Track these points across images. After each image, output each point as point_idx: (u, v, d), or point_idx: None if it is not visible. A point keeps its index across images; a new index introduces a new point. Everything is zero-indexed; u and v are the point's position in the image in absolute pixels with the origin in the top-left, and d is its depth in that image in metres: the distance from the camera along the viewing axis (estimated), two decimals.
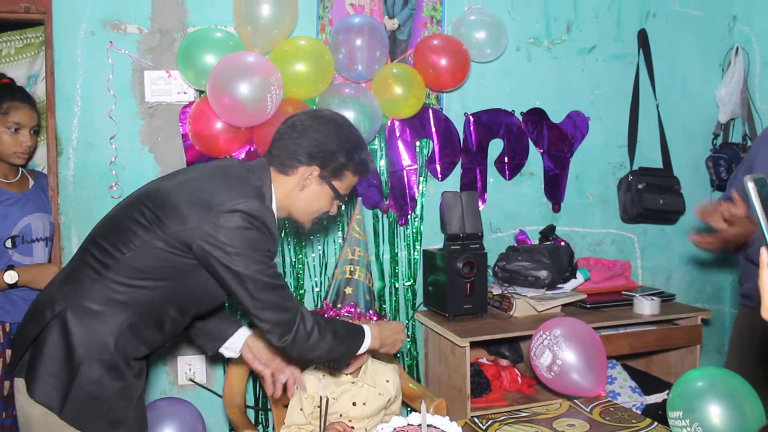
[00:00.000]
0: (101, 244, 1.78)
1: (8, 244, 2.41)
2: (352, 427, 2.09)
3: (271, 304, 1.78)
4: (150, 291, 1.77)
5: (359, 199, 2.40)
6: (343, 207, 2.95)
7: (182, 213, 1.74)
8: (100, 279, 1.75)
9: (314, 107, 2.82)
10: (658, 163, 3.52)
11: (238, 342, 2.16)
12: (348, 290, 2.14)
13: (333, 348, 1.89)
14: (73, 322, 1.72)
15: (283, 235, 2.94)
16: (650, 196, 3.39)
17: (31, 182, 2.57)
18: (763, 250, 1.01)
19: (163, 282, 1.78)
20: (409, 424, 1.62)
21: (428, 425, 1.58)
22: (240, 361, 2.55)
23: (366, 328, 2.02)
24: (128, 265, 1.75)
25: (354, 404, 2.14)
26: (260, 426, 2.93)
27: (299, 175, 1.89)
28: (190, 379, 2.88)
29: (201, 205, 1.74)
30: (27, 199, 2.53)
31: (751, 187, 1.00)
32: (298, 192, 1.91)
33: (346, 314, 2.10)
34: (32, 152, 2.55)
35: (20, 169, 2.55)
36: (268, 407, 2.77)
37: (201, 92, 2.75)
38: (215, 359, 2.90)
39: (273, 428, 2.76)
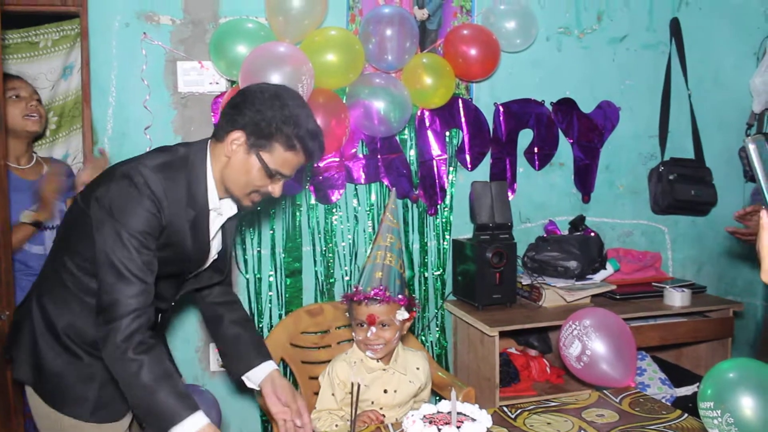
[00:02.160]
0: None
1: None
2: (383, 415, 2.11)
3: (104, 285, 1.66)
4: (77, 269, 1.81)
5: (393, 189, 2.41)
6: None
7: (96, 180, 1.81)
8: (52, 263, 1.88)
9: (345, 97, 2.83)
10: (690, 154, 3.49)
11: (260, 374, 2.04)
12: (378, 274, 2.14)
13: (135, 389, 1.62)
14: (34, 304, 1.86)
15: (313, 224, 2.97)
16: (681, 187, 3.36)
17: (45, 168, 2.59)
18: (763, 212, 1.00)
19: (83, 257, 1.78)
20: (438, 412, 1.63)
21: (458, 413, 1.60)
22: (270, 348, 2.58)
23: (202, 420, 1.63)
24: (61, 242, 1.88)
25: (385, 391, 2.16)
26: None
27: (227, 141, 1.77)
28: (222, 366, 2.91)
29: (110, 171, 1.79)
30: (36, 186, 2.54)
31: (752, 148, 0.99)
32: (226, 160, 1.79)
33: (374, 296, 2.11)
34: (45, 121, 2.59)
35: (34, 155, 2.59)
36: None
37: (233, 82, 2.79)
38: None
39: None
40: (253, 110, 1.74)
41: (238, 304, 2.16)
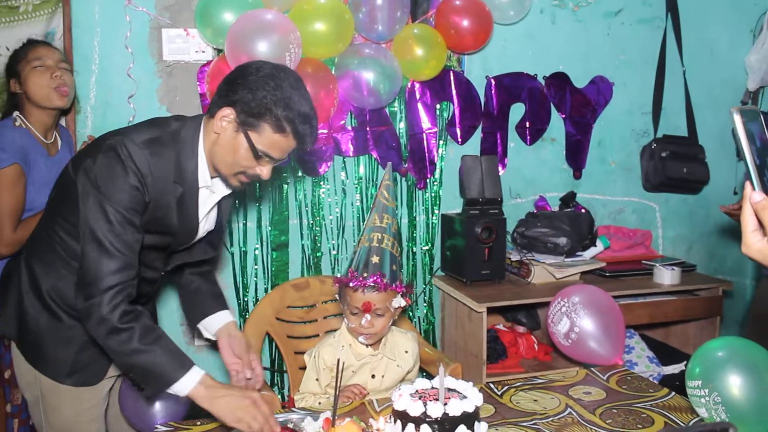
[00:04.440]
0: None
1: None
2: (368, 392, 2.08)
3: (86, 259, 1.65)
4: (65, 233, 1.81)
5: (389, 164, 2.35)
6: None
7: (86, 150, 1.79)
8: (43, 225, 1.89)
9: (333, 67, 2.78)
10: (683, 131, 3.45)
11: (215, 323, 2.05)
12: (375, 259, 2.06)
13: (128, 356, 1.64)
14: (22, 263, 1.89)
15: (300, 197, 2.92)
16: (674, 165, 3.34)
17: (60, 143, 2.51)
18: (747, 184, 0.99)
19: (71, 223, 1.77)
20: (433, 387, 1.60)
21: (450, 389, 1.57)
22: (255, 322, 2.56)
23: (195, 374, 1.66)
24: (53, 207, 1.87)
25: (373, 376, 2.12)
26: (276, 387, 2.95)
27: (217, 117, 1.73)
28: (207, 340, 2.88)
29: (98, 141, 1.75)
30: (59, 164, 2.45)
31: (737, 119, 0.97)
32: (215, 137, 1.75)
33: (372, 284, 2.05)
34: (73, 93, 2.46)
35: (53, 130, 2.47)
36: (284, 369, 2.78)
37: (219, 51, 2.72)
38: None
39: (288, 390, 2.77)
40: (246, 88, 1.70)
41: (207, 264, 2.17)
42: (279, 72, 1.74)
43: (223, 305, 2.10)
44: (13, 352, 1.93)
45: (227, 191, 1.91)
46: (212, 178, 1.83)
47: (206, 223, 1.93)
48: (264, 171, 1.79)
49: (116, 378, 2.03)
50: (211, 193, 1.86)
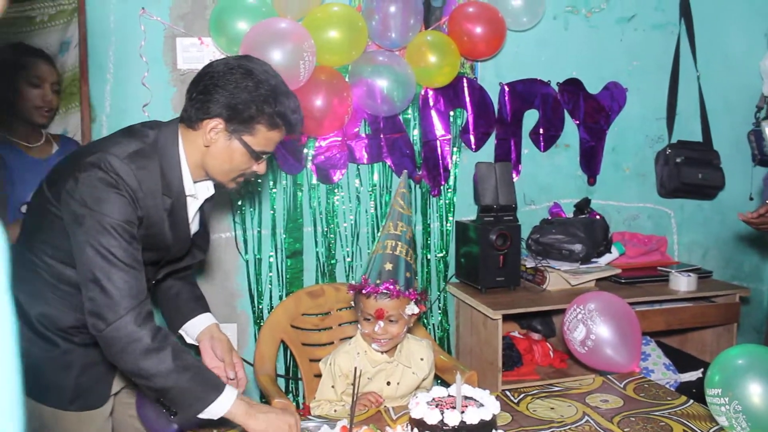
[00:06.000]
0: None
1: (23, 209, 2.39)
2: (384, 400, 2.07)
3: (96, 283, 1.56)
4: (49, 257, 1.72)
5: (404, 172, 2.34)
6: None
7: (62, 169, 1.70)
8: (21, 252, 1.75)
9: (347, 75, 2.78)
10: (698, 137, 3.43)
11: (197, 327, 1.99)
12: (388, 266, 2.05)
13: (164, 378, 1.56)
14: None
15: (315, 204, 2.93)
16: (689, 171, 3.31)
17: (56, 147, 2.52)
18: None
19: (54, 246, 1.71)
20: (449, 395, 1.60)
21: (466, 397, 1.56)
22: (270, 329, 2.56)
23: (231, 392, 1.63)
24: (31, 230, 1.76)
25: (388, 383, 2.11)
26: (290, 395, 2.95)
27: (203, 129, 1.69)
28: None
29: (74, 159, 1.67)
30: (48, 164, 2.48)
31: None
32: (205, 148, 1.72)
33: (384, 291, 2.05)
34: (54, 112, 2.49)
35: (44, 132, 2.52)
36: (299, 377, 2.77)
37: None
38: (246, 327, 2.92)
39: (303, 398, 2.77)
40: (227, 94, 1.66)
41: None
42: (252, 67, 1.71)
43: (204, 307, 2.04)
44: None
45: (209, 194, 1.88)
46: (195, 182, 1.80)
47: (192, 228, 1.91)
48: (261, 167, 1.81)
49: (114, 397, 1.95)
50: (194, 199, 1.84)
